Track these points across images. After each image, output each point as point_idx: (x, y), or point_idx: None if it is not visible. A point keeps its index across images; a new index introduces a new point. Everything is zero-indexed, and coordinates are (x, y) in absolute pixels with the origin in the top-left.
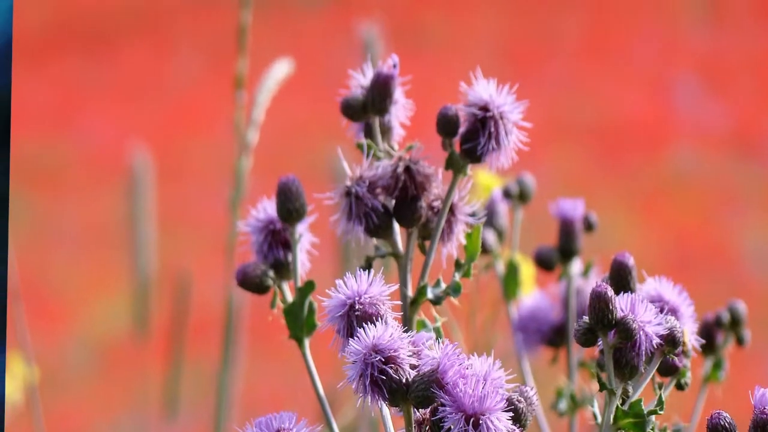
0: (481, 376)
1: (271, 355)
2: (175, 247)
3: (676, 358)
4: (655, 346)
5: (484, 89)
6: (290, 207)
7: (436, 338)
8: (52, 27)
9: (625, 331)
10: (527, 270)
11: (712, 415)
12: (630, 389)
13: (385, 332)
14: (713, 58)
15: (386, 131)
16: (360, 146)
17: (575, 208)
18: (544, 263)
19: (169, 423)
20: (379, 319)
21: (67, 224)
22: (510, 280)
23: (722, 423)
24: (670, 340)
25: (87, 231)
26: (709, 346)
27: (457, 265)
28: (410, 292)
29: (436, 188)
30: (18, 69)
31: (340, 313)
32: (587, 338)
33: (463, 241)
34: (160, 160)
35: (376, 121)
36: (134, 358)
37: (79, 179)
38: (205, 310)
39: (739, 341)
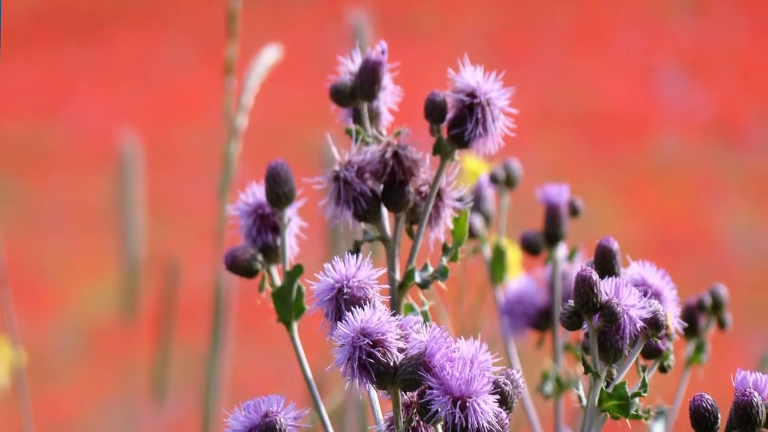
0: (468, 359)
1: (259, 339)
2: (163, 231)
3: (659, 341)
4: (639, 330)
5: (472, 76)
6: (279, 191)
7: (424, 322)
8: (43, 12)
9: (609, 315)
10: (514, 254)
11: (694, 398)
12: (614, 372)
13: (373, 316)
14: (697, 48)
15: (375, 117)
16: (349, 132)
17: (561, 193)
18: (530, 248)
19: (157, 407)
20: (367, 302)
21: (56, 209)
22: (497, 265)
23: (704, 405)
24: (654, 324)
25: (76, 216)
26: (691, 330)
27: (445, 250)
28: (398, 276)
29: (424, 173)
30: (8, 54)
31: (328, 297)
32: (572, 322)
33: (451, 226)
34: (150, 145)
35: (365, 107)
36: (122, 342)
37: (68, 164)
38: (193, 294)
39: (721, 325)
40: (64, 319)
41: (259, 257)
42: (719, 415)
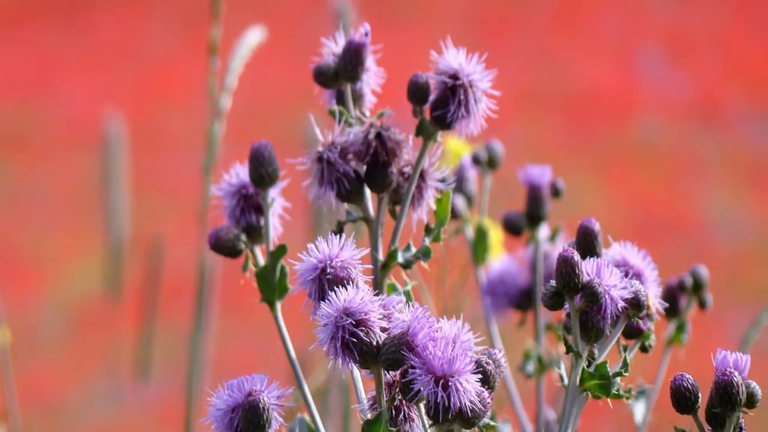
0: (451, 338)
1: (243, 319)
2: (148, 211)
3: (640, 321)
4: (620, 310)
5: (454, 58)
6: (263, 172)
7: (407, 301)
8: None
9: (591, 295)
10: (496, 235)
11: (675, 377)
12: (596, 352)
13: (356, 295)
14: (678, 30)
15: (358, 98)
16: (332, 113)
17: (543, 174)
18: (512, 228)
19: (141, 385)
20: (350, 282)
21: (41, 188)
22: (479, 245)
23: (685, 384)
24: (635, 304)
25: (61, 195)
26: (672, 310)
27: (427, 230)
28: (381, 256)
29: (407, 154)
30: None
31: (311, 277)
32: (554, 302)
33: (433, 207)
34: (134, 126)
35: (348, 89)
36: (107, 320)
37: (54, 144)
38: (177, 273)
39: (702, 305)
40: (49, 298)
41: (243, 237)
42: (700, 395)
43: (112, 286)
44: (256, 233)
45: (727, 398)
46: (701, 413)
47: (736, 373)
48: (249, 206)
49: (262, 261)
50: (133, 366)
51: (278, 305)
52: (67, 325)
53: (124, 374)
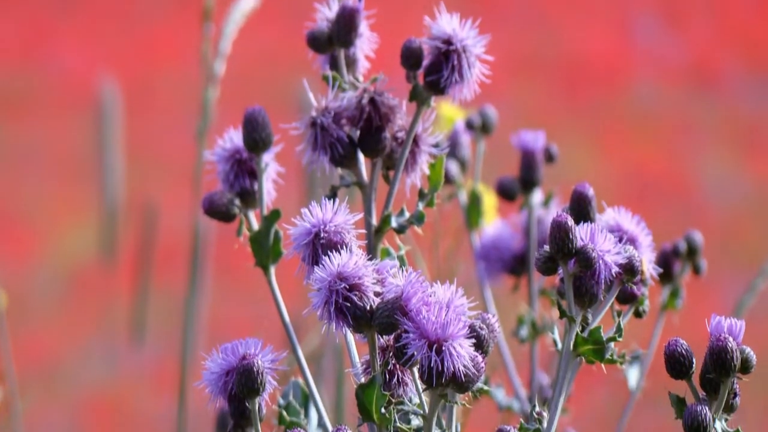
0: (444, 303)
1: (237, 283)
2: (142, 176)
3: (634, 287)
4: (614, 275)
5: (448, 23)
6: (256, 137)
7: (400, 266)
8: None
9: (584, 260)
10: (489, 200)
11: (669, 342)
12: (589, 317)
13: (350, 260)
14: None
15: (351, 63)
16: (325, 78)
17: (536, 139)
18: (505, 193)
19: (136, 348)
20: (344, 247)
21: (35, 154)
22: (472, 210)
23: (679, 350)
24: (629, 269)
25: (56, 160)
26: (666, 275)
27: (421, 195)
28: (375, 221)
29: (400, 119)
30: None
31: (305, 241)
32: (548, 267)
33: (427, 172)
34: (128, 91)
35: (341, 54)
36: (102, 284)
37: (48, 109)
38: (171, 237)
39: (696, 270)
40: (44, 262)
41: (237, 202)
42: (694, 360)
43: (106, 251)
44: (249, 198)
45: (721, 364)
46: (695, 378)
47: (731, 339)
48: (243, 171)
49: (256, 225)
50: (128, 330)
51: (272, 269)
52: (62, 289)
53: (119, 338)
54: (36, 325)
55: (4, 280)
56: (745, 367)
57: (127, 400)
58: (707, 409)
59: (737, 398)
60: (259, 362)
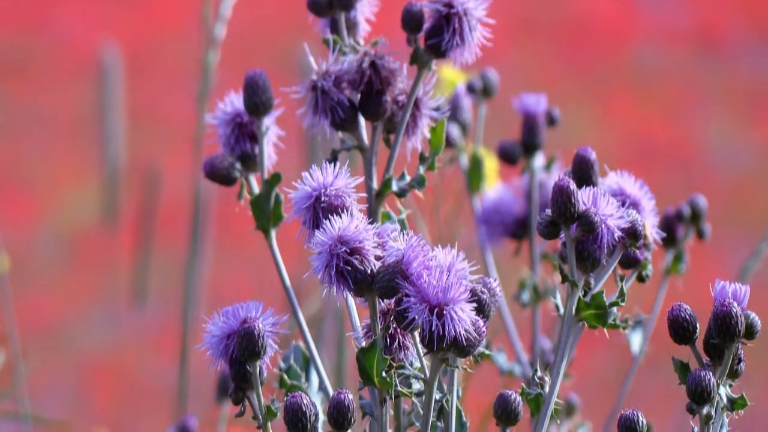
0: (445, 267)
1: (237, 247)
2: (143, 139)
3: (637, 251)
4: (617, 239)
5: None
6: (257, 100)
7: (401, 230)
8: None
9: (587, 224)
10: (491, 163)
11: (672, 307)
12: (592, 281)
13: (351, 224)
14: None
15: (352, 27)
16: (326, 42)
17: (538, 103)
18: (507, 157)
19: (137, 312)
20: (345, 210)
21: (37, 117)
22: (474, 174)
23: (683, 315)
24: (632, 233)
25: (57, 124)
26: (669, 240)
27: (422, 159)
28: (375, 185)
29: (401, 83)
30: None
31: (306, 205)
32: (550, 231)
33: (428, 135)
34: (130, 55)
35: (342, 17)
36: (103, 248)
37: (50, 73)
38: (173, 201)
39: (700, 235)
40: (46, 226)
41: (238, 165)
42: (698, 325)
43: (108, 214)
44: (250, 161)
45: (725, 329)
46: (699, 344)
47: (735, 304)
48: (244, 135)
49: (256, 189)
50: (129, 293)
51: (273, 233)
52: (63, 253)
53: (120, 301)
54: (38, 289)
55: (6, 244)
56: (750, 332)
57: (128, 362)
58: (711, 374)
59: (742, 364)
60: (260, 325)
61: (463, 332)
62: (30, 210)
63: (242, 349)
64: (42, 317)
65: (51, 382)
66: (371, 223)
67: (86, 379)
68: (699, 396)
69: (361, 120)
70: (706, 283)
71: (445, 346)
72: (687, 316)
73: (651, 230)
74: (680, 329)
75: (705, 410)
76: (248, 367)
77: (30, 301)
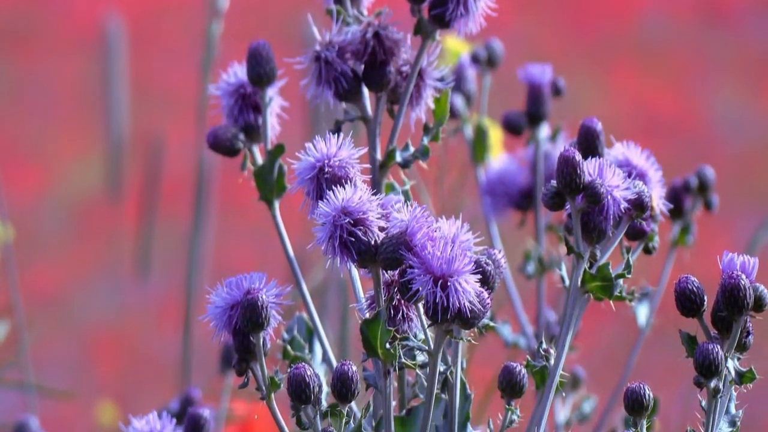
0: (449, 238)
1: (241, 218)
2: (147, 111)
3: (644, 223)
4: (623, 211)
5: None
6: (261, 71)
7: (405, 201)
8: None
9: (592, 196)
10: (495, 134)
11: (680, 279)
12: (598, 253)
13: (354, 195)
14: None
15: None
16: (330, 12)
17: (543, 73)
18: (512, 128)
19: (141, 283)
20: (349, 181)
21: (41, 88)
22: (478, 144)
23: (690, 287)
24: (638, 205)
25: (61, 95)
26: (677, 211)
27: (426, 129)
28: (379, 156)
29: (405, 53)
30: None
31: (309, 176)
32: (555, 202)
33: (432, 106)
34: (133, 26)
35: None
36: (108, 219)
37: (53, 44)
38: (176, 172)
39: (708, 206)
40: (50, 197)
41: (241, 136)
42: (705, 298)
43: (112, 185)
44: (254, 132)
45: (733, 301)
46: (707, 317)
47: (744, 276)
48: (247, 105)
49: (260, 160)
50: (133, 264)
51: (276, 204)
52: (68, 223)
53: (125, 272)
54: (41, 259)
55: (11, 215)
56: (759, 305)
57: (131, 334)
58: (719, 347)
59: (750, 337)
60: (264, 296)
61: (467, 304)
62: (34, 181)
63: (245, 320)
64: (46, 287)
65: (55, 352)
66: (375, 194)
67: (90, 350)
68: (707, 369)
69: (365, 91)
70: (714, 256)
71: (450, 318)
72: (694, 288)
73: (658, 201)
74: (687, 302)
75: (713, 384)
76: (251, 339)
77: (35, 272)
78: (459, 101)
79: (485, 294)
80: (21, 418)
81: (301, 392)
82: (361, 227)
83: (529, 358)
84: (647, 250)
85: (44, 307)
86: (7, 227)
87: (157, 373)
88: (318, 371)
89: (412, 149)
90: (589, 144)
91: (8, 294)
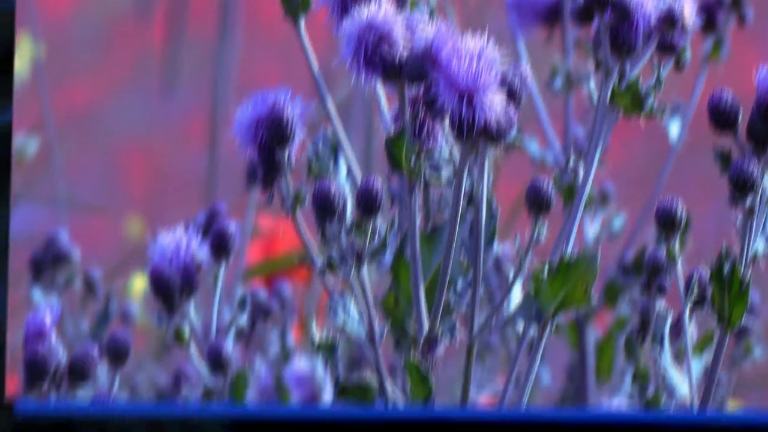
0: (475, 54)
1: (267, 34)
2: None
3: (675, 37)
4: (653, 24)
5: None
6: None
7: (430, 18)
8: None
9: (621, 11)
10: None
11: (713, 92)
12: (627, 68)
13: (380, 11)
14: None
15: None
16: None
17: None
18: None
19: (168, 98)
20: None
21: None
22: None
23: (724, 99)
24: (669, 18)
25: None
26: (709, 25)
27: None
28: None
29: None
30: None
31: None
32: (583, 16)
33: None
34: None
35: None
36: (136, 35)
37: None
38: None
39: (742, 19)
40: (80, 14)
41: None
42: (741, 111)
43: (141, 1)
44: None
45: None
46: (742, 133)
47: None
48: None
49: None
50: (161, 79)
51: (302, 20)
52: (96, 41)
53: (152, 87)
54: (72, 75)
55: (42, 33)
56: None
57: (159, 149)
58: (755, 163)
59: None
60: (289, 110)
61: (493, 119)
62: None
63: (271, 134)
64: (76, 102)
65: (85, 165)
66: (400, 10)
67: (119, 165)
68: (742, 186)
69: None
70: (749, 71)
71: (475, 134)
72: (729, 100)
73: (689, 15)
74: (721, 115)
75: (748, 202)
76: (277, 154)
77: (64, 87)
78: None
79: (512, 109)
80: (51, 231)
81: (326, 206)
82: (387, 42)
83: (557, 174)
84: (678, 64)
85: (73, 122)
86: (39, 44)
87: (183, 189)
88: (343, 187)
89: None
90: None
91: (41, 110)
